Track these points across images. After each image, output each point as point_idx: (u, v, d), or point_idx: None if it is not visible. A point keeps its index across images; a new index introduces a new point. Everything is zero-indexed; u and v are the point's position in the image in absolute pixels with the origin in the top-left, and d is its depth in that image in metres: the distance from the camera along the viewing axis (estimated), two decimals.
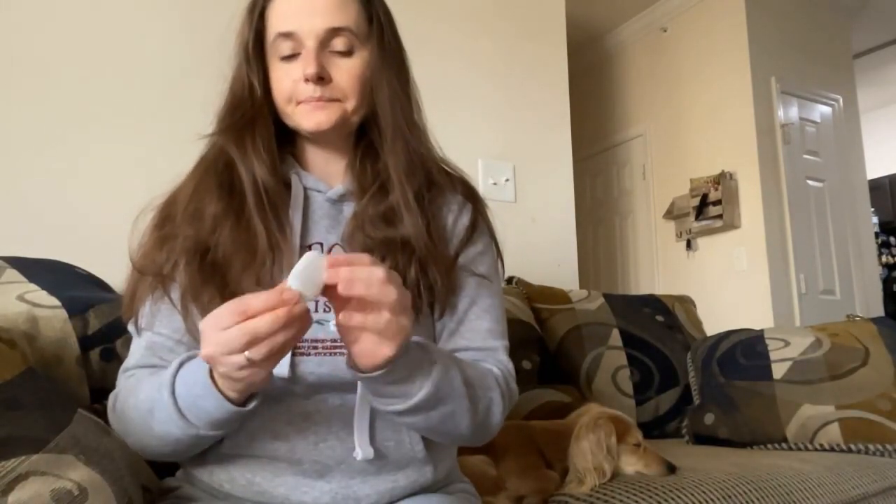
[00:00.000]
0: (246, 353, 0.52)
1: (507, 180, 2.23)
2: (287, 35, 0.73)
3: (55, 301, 0.97)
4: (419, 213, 0.75)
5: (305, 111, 0.74)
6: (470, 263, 0.81)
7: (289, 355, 0.69)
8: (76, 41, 1.53)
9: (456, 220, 0.82)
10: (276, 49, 0.74)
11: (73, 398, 0.81)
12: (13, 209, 1.40)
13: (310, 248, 0.77)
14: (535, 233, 2.27)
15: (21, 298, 0.96)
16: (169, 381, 0.64)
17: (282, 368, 0.69)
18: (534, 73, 2.39)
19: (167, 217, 0.75)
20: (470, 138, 2.16)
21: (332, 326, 0.58)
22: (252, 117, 0.75)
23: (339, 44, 0.74)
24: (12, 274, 1.02)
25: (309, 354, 0.71)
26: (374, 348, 0.57)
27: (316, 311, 0.73)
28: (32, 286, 0.99)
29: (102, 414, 0.95)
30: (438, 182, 0.81)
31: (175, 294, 0.72)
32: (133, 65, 1.59)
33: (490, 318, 0.81)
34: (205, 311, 0.69)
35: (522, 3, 2.41)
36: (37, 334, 0.92)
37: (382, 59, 0.77)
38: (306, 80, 0.72)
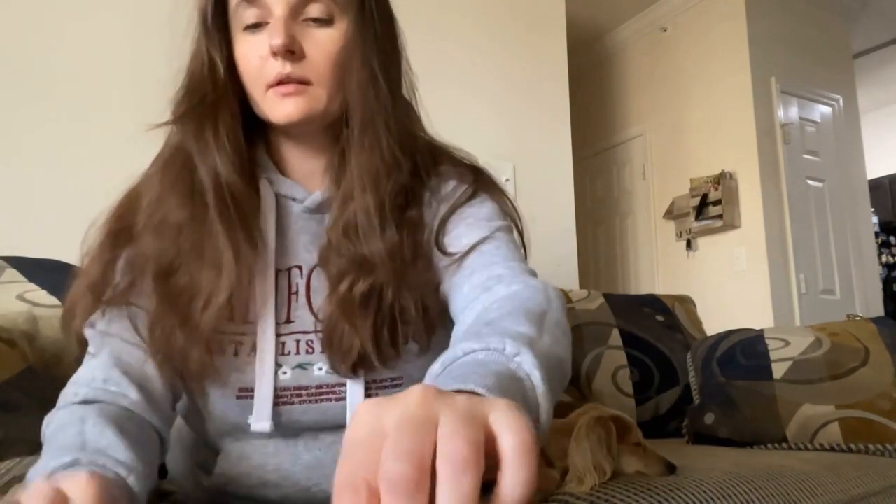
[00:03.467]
0: None
1: (507, 180, 2.23)
2: (251, 1, 0.61)
3: (55, 301, 0.98)
4: (385, 227, 0.63)
5: (274, 100, 0.62)
6: (445, 228, 0.67)
7: (270, 407, 0.62)
8: (77, 42, 1.53)
9: (438, 212, 0.69)
10: (240, 17, 0.63)
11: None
12: (13, 209, 1.39)
13: (288, 273, 0.66)
14: (535, 233, 2.25)
15: (21, 298, 0.96)
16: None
17: (262, 424, 0.62)
18: (534, 73, 2.39)
19: (121, 231, 0.64)
20: (470, 138, 2.14)
21: None
22: (214, 102, 0.63)
23: (314, 10, 0.62)
24: (12, 274, 1.02)
25: (293, 403, 0.64)
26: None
27: (298, 352, 0.65)
28: (32, 286, 0.99)
29: None
30: (427, 175, 0.70)
31: (141, 322, 0.62)
32: (133, 65, 1.59)
33: (492, 257, 0.65)
34: (168, 343, 0.60)
35: (522, 4, 2.41)
36: (37, 334, 0.92)
37: (361, 31, 0.63)
38: (273, 53, 0.60)
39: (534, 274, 0.64)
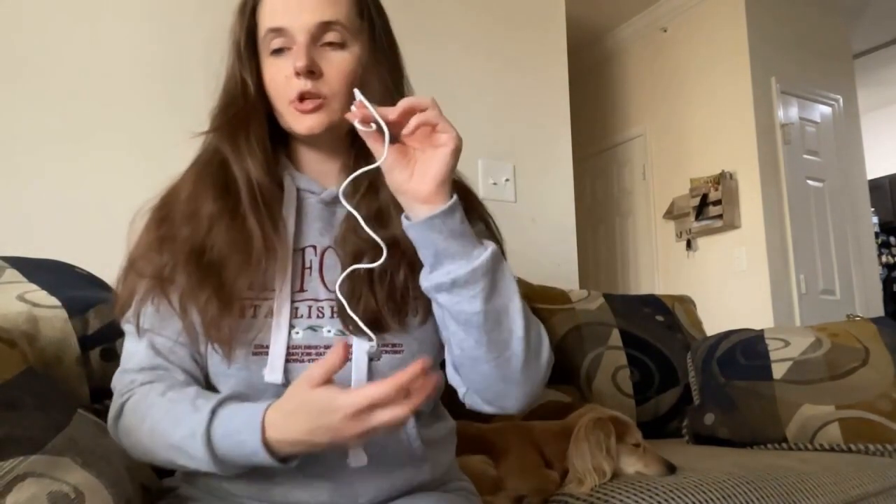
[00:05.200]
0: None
1: (507, 180, 2.23)
2: (278, 31, 0.73)
3: (55, 301, 0.97)
4: None
5: (297, 115, 0.74)
6: None
7: (282, 361, 0.69)
8: (74, 42, 1.53)
9: None
10: (268, 44, 0.74)
11: (73, 398, 0.81)
12: (13, 209, 1.40)
13: (302, 251, 0.76)
14: (535, 233, 2.27)
15: (21, 298, 0.95)
16: (203, 431, 0.62)
17: (275, 375, 0.69)
18: (534, 73, 2.39)
19: (164, 218, 0.74)
20: (470, 138, 2.13)
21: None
22: (246, 115, 0.75)
23: (330, 36, 0.73)
24: (12, 274, 1.02)
25: (303, 361, 0.70)
26: (441, 161, 0.63)
27: (310, 316, 0.73)
28: (32, 286, 0.99)
29: (102, 414, 0.95)
30: None
31: (174, 296, 0.71)
32: (131, 65, 1.59)
33: None
34: (202, 313, 0.69)
35: (522, 3, 2.41)
36: (37, 334, 0.92)
37: (374, 54, 0.76)
38: (297, 73, 0.71)
39: None
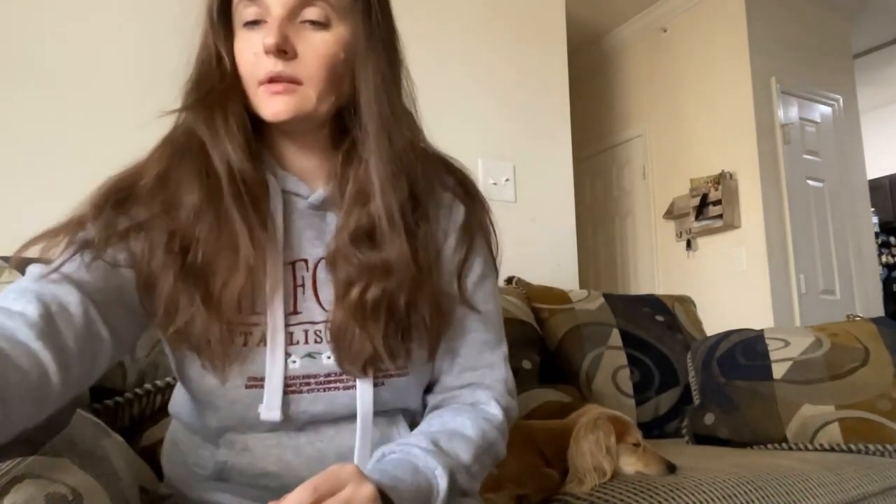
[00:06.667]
0: None
1: (507, 180, 2.23)
2: (252, 0, 0.63)
3: None
4: (403, 230, 0.65)
5: (265, 96, 0.63)
6: (461, 276, 0.73)
7: (280, 397, 0.63)
8: (77, 37, 1.53)
9: (446, 233, 0.73)
10: (241, 14, 0.64)
11: (72, 398, 0.81)
12: (13, 209, 1.39)
13: (293, 266, 0.68)
14: (535, 233, 2.27)
15: None
16: None
17: (273, 413, 0.63)
18: (534, 73, 2.39)
19: (127, 197, 0.64)
20: (470, 138, 2.15)
21: None
22: (222, 92, 0.64)
23: (311, 13, 0.63)
24: (12, 274, 1.02)
25: (301, 392, 0.65)
26: None
27: (307, 342, 0.66)
28: None
29: (102, 414, 0.95)
30: (429, 184, 0.71)
31: (130, 285, 0.62)
32: (130, 62, 1.59)
33: (484, 328, 0.74)
34: (190, 322, 0.60)
35: (523, 4, 2.41)
36: None
37: (368, 40, 0.65)
38: (266, 52, 0.62)
39: (503, 350, 0.76)
